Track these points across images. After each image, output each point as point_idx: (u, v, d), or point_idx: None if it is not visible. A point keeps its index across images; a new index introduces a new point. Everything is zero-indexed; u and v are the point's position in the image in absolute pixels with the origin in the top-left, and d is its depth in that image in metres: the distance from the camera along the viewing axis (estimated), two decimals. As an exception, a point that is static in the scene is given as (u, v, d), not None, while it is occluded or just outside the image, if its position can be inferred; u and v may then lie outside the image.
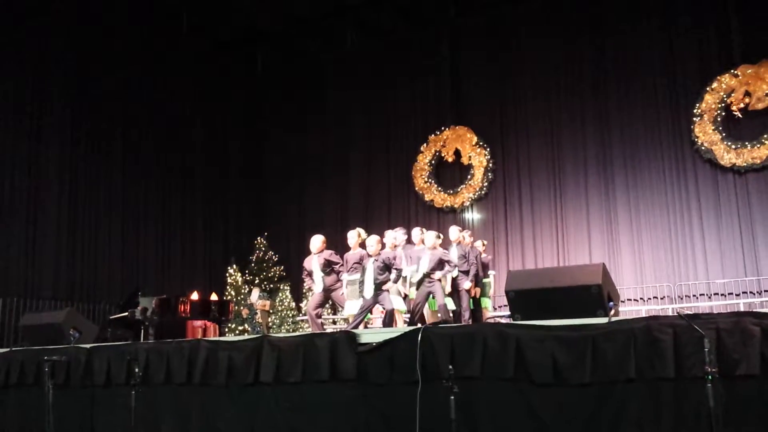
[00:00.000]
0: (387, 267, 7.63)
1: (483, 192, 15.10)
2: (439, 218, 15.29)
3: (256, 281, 15.13)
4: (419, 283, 8.24)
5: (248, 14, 16.10)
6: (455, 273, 8.58)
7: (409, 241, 8.89)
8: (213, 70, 17.20)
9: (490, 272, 10.08)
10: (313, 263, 8.22)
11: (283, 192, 17.62)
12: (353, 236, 8.19)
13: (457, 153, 15.40)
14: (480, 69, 15.60)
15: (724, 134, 12.68)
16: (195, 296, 10.66)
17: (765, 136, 12.29)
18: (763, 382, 4.06)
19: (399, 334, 5.19)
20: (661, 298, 12.83)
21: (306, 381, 5.45)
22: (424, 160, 15.74)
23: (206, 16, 15.86)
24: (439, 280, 8.19)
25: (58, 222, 13.32)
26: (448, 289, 8.56)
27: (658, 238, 13.21)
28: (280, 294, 14.62)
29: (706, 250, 12.74)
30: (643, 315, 6.51)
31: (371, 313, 8.23)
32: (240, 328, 13.22)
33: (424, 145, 15.77)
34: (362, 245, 7.99)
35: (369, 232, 8.33)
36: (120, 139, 14.73)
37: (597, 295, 4.87)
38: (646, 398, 4.29)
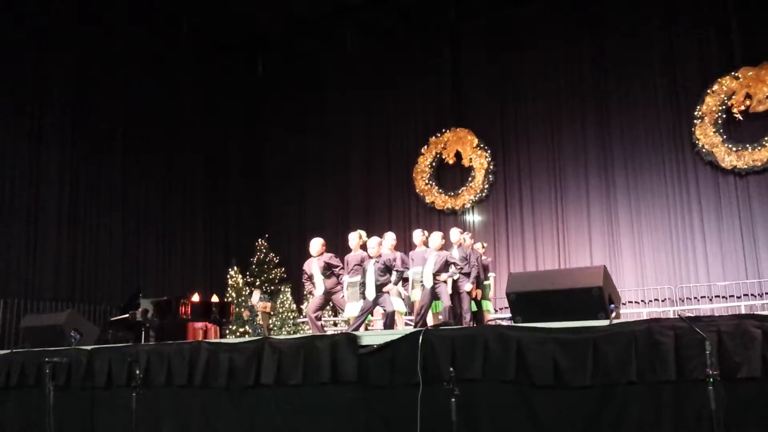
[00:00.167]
0: (388, 269, 7.63)
1: (484, 194, 15.10)
2: (440, 220, 15.29)
3: (257, 283, 15.14)
4: (423, 285, 8.22)
5: (248, 15, 16.11)
6: (457, 276, 8.57)
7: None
8: (213, 71, 17.20)
9: (490, 274, 10.08)
10: (313, 266, 8.22)
11: (284, 193, 17.63)
12: (354, 238, 8.19)
13: (458, 155, 15.41)
14: (481, 70, 15.60)
15: (724, 136, 12.68)
16: (196, 298, 10.66)
17: (766, 138, 12.29)
18: (764, 385, 4.05)
19: (400, 336, 5.19)
20: (662, 301, 12.83)
21: (307, 383, 5.44)
22: (424, 162, 15.74)
23: (206, 16, 15.87)
24: (445, 281, 8.18)
25: (58, 223, 13.31)
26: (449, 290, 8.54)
27: (659, 240, 13.21)
28: (281, 296, 14.62)
29: (707, 253, 12.74)
30: (644, 317, 6.51)
31: (372, 315, 8.22)
32: (241, 330, 13.22)
33: (425, 146, 15.78)
34: (363, 247, 7.99)
35: (370, 234, 8.33)
36: (120, 140, 14.73)
37: (598, 297, 4.86)
38: (647, 401, 4.29)
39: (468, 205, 15.23)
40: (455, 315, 8.28)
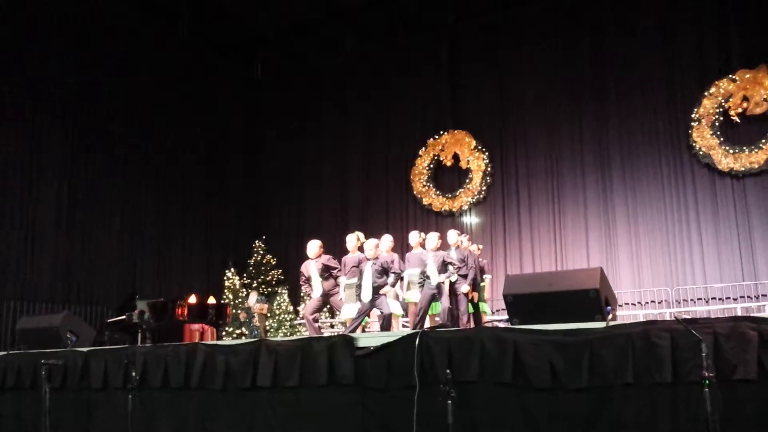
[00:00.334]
0: (385, 271, 7.62)
1: (481, 196, 15.11)
2: (438, 222, 15.28)
3: (254, 285, 15.11)
4: (422, 285, 8.21)
5: (247, 17, 16.12)
6: (454, 277, 8.55)
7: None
8: (211, 73, 17.23)
9: (486, 276, 10.07)
10: (310, 268, 8.21)
11: (282, 195, 17.62)
12: (352, 240, 8.19)
13: (456, 157, 15.41)
14: (478, 73, 15.61)
15: (722, 139, 12.71)
16: (192, 299, 10.64)
17: (763, 140, 12.32)
18: (760, 387, 4.05)
19: (397, 338, 5.19)
20: (659, 303, 12.84)
21: (303, 385, 5.44)
22: (422, 164, 15.75)
23: (205, 18, 15.87)
24: (443, 282, 8.16)
25: (55, 224, 13.29)
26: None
27: (656, 242, 13.22)
28: (278, 297, 14.60)
29: (704, 255, 12.75)
30: (641, 319, 6.52)
31: (368, 317, 8.21)
32: (237, 331, 13.19)
33: (423, 149, 15.78)
34: (361, 249, 7.99)
35: (367, 236, 8.33)
36: (118, 142, 14.72)
37: (595, 299, 4.87)
38: (643, 403, 4.29)
39: (465, 207, 15.23)
40: (453, 317, 8.27)
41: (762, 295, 11.95)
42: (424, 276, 8.23)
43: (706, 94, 12.88)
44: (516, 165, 14.95)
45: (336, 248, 10.29)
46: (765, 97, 12.33)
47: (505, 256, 14.68)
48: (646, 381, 4.28)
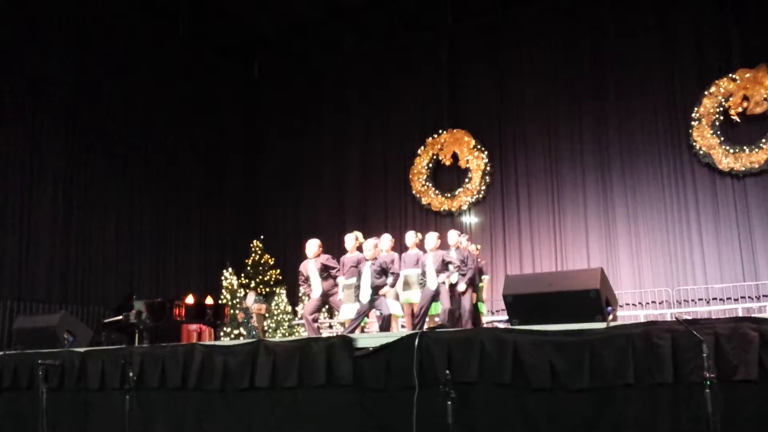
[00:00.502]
0: (384, 271, 7.59)
1: (481, 195, 15.08)
2: (437, 222, 15.25)
3: (252, 285, 15.08)
4: (423, 285, 8.16)
5: (246, 17, 16.09)
6: (455, 278, 8.51)
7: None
8: (210, 73, 17.21)
9: (484, 277, 10.05)
10: (309, 268, 8.18)
11: (280, 195, 17.60)
12: (350, 239, 8.16)
13: (455, 156, 15.38)
14: (478, 72, 15.59)
15: (722, 138, 12.68)
16: (190, 300, 10.60)
17: (763, 140, 12.30)
18: (761, 388, 4.03)
19: (396, 338, 5.16)
20: (660, 303, 12.82)
21: (302, 386, 5.41)
22: (421, 164, 15.72)
23: (204, 18, 15.84)
24: (443, 282, 8.10)
25: (52, 223, 13.26)
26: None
27: (657, 242, 13.20)
28: (276, 298, 14.57)
29: (705, 255, 12.73)
30: (642, 320, 6.50)
31: (367, 317, 8.17)
32: (235, 332, 13.15)
33: (422, 148, 15.75)
34: (359, 248, 7.96)
35: (366, 236, 8.29)
36: (117, 142, 14.69)
37: (595, 299, 4.84)
38: (644, 404, 4.27)
39: (465, 207, 15.20)
40: (453, 318, 8.22)
41: (763, 296, 11.93)
42: (425, 277, 8.16)
43: (706, 93, 12.86)
44: (516, 165, 14.92)
45: (334, 248, 10.26)
46: (765, 96, 12.31)
47: (505, 257, 14.66)
48: (647, 381, 4.25)
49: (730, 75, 12.67)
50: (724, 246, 12.55)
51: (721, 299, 12.31)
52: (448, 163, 15.43)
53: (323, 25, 16.41)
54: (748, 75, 12.51)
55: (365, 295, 7.52)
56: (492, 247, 14.68)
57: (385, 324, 7.41)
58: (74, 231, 13.64)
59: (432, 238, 8.34)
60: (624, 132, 13.77)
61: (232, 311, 13.24)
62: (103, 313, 12.91)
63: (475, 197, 15.10)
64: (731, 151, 12.54)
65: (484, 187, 15.04)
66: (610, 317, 4.83)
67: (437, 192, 15.53)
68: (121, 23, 14.80)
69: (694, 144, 12.90)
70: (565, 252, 14.01)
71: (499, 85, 15.30)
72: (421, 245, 8.43)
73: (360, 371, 5.19)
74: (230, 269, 14.87)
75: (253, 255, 15.73)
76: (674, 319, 4.36)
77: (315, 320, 8.11)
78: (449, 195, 15.39)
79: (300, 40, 16.91)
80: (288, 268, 15.24)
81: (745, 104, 12.51)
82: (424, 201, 15.66)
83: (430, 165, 15.69)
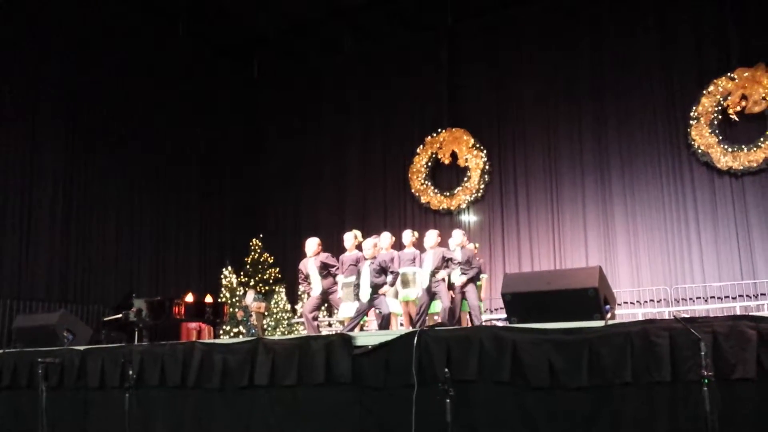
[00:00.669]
0: (383, 270, 7.59)
1: (479, 194, 15.09)
2: (436, 220, 15.27)
3: (252, 283, 15.08)
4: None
5: (245, 17, 16.08)
6: (458, 274, 8.46)
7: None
8: (210, 72, 17.20)
9: (482, 275, 10.03)
10: (309, 266, 8.19)
11: (280, 194, 17.60)
12: (349, 238, 8.17)
13: (454, 155, 15.39)
14: (477, 72, 15.59)
15: (720, 137, 12.69)
16: (189, 298, 10.62)
17: (761, 139, 12.30)
18: (759, 386, 4.04)
19: (395, 336, 5.17)
20: (658, 301, 12.83)
21: (301, 384, 5.42)
22: (420, 162, 15.72)
23: (203, 18, 15.83)
24: (443, 279, 8.10)
25: (51, 222, 13.26)
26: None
27: (655, 240, 13.21)
28: (276, 296, 14.57)
29: (703, 253, 12.74)
30: (640, 318, 6.52)
31: (366, 316, 8.18)
32: (235, 330, 13.16)
33: (421, 147, 15.76)
34: (359, 247, 7.97)
35: (365, 234, 8.30)
36: (115, 141, 14.69)
37: (593, 298, 4.85)
38: (642, 402, 4.28)
39: (463, 206, 15.21)
40: (453, 316, 8.21)
41: (761, 294, 11.94)
42: (431, 275, 8.12)
43: (704, 92, 12.87)
44: (514, 163, 14.93)
45: (334, 247, 10.28)
46: (763, 95, 12.32)
47: (504, 255, 14.67)
48: (645, 380, 4.26)
49: (729, 74, 12.68)
50: (722, 244, 12.56)
51: (719, 298, 12.33)
52: (447, 162, 15.44)
53: (323, 25, 16.40)
54: (746, 74, 12.52)
55: (365, 294, 7.53)
56: (491, 245, 14.69)
57: (385, 322, 7.42)
58: (74, 230, 13.64)
59: (432, 236, 8.31)
60: (623, 131, 13.78)
61: (231, 310, 13.24)
62: (103, 311, 12.93)
63: (473, 196, 15.11)
64: (729, 150, 12.55)
65: (482, 186, 15.05)
66: (609, 316, 4.84)
67: (436, 191, 15.54)
68: (121, 23, 14.80)
69: (693, 143, 12.91)
70: (564, 250, 14.02)
71: (499, 85, 15.30)
72: (416, 244, 8.41)
73: (359, 369, 5.20)
74: (230, 268, 14.87)
75: (253, 253, 15.74)
76: (672, 317, 4.37)
77: (315, 318, 8.12)
78: (448, 194, 15.40)
79: (300, 40, 16.90)
80: (287, 266, 15.25)
81: (743, 103, 12.52)
82: (423, 200, 15.67)
83: (429, 164, 15.70)
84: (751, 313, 4.80)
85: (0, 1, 12.45)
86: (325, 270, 8.12)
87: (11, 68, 12.79)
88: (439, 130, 15.60)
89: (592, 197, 13.95)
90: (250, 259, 15.69)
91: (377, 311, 7.68)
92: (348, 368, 5.21)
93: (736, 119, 12.63)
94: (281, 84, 18.09)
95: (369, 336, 5.57)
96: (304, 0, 15.38)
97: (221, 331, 12.37)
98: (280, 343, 5.64)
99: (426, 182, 15.65)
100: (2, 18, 12.62)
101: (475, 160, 15.10)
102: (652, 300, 12.91)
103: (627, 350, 4.32)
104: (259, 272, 15.46)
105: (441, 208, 15.44)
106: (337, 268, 8.13)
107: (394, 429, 4.96)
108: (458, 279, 8.34)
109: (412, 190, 15.81)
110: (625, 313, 12.29)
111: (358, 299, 7.60)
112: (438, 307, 8.17)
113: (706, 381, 3.85)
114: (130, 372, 5.90)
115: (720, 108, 12.73)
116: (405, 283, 8.18)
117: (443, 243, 8.70)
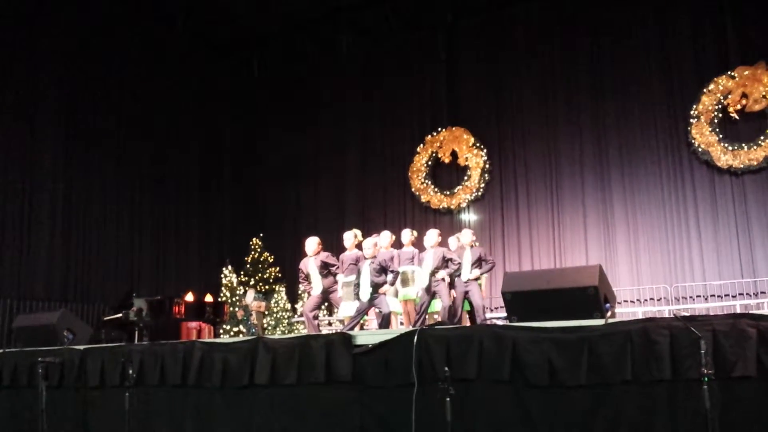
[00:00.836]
0: (383, 269, 7.59)
1: (480, 193, 15.08)
2: (436, 219, 15.26)
3: (252, 282, 15.08)
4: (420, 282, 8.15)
5: (244, 16, 16.07)
6: (477, 273, 8.45)
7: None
8: (209, 72, 17.20)
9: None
10: (309, 265, 8.19)
11: (279, 193, 17.58)
12: (349, 237, 8.17)
13: (454, 154, 15.38)
14: (477, 70, 15.58)
15: (720, 136, 12.69)
16: (190, 297, 10.64)
17: (762, 137, 12.30)
18: (759, 384, 4.05)
19: (395, 335, 5.17)
20: (658, 300, 12.82)
21: (301, 383, 5.42)
22: (420, 161, 15.72)
23: (202, 17, 15.82)
24: (443, 279, 8.11)
25: (51, 221, 13.26)
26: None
27: (655, 239, 13.20)
28: (276, 295, 14.58)
29: (703, 252, 12.74)
30: (640, 317, 6.49)
31: (366, 315, 8.19)
32: (235, 329, 13.17)
33: (421, 146, 15.75)
34: (359, 246, 7.97)
35: (365, 234, 8.30)
36: (115, 140, 14.70)
37: (593, 296, 4.86)
38: (642, 400, 4.28)
39: (464, 205, 15.20)
40: (453, 315, 8.21)
41: (761, 292, 11.94)
42: (430, 275, 8.12)
43: (704, 91, 12.86)
44: (514, 162, 14.92)
45: (334, 246, 10.28)
46: (764, 93, 12.31)
47: (504, 254, 14.66)
48: (645, 378, 4.27)
49: (729, 72, 12.67)
50: (723, 243, 12.55)
51: (719, 296, 12.32)
52: (447, 160, 15.43)
53: (322, 25, 16.39)
54: (746, 72, 12.51)
55: (365, 293, 7.53)
56: (491, 244, 14.68)
57: (385, 321, 7.42)
58: (74, 230, 13.64)
59: (432, 236, 8.31)
60: (623, 129, 13.77)
61: (231, 309, 13.26)
62: (103, 310, 12.94)
63: (474, 195, 15.10)
64: (730, 148, 12.54)
65: (483, 185, 15.04)
66: (609, 314, 4.84)
67: (436, 190, 15.53)
68: (120, 23, 14.79)
69: (693, 141, 12.90)
70: (564, 249, 14.01)
71: (498, 83, 15.28)
72: (416, 242, 8.41)
73: (359, 368, 5.21)
74: (230, 267, 14.88)
75: (253, 253, 15.73)
76: (672, 315, 4.37)
77: (315, 317, 8.13)
78: (448, 193, 15.39)
79: (300, 39, 16.89)
80: (287, 265, 15.25)
81: (743, 102, 12.51)
82: (423, 199, 15.66)
83: (429, 163, 15.69)
84: (751, 312, 4.79)
85: (0, 1, 12.45)
86: (326, 269, 8.12)
87: (11, 68, 12.78)
88: (439, 129, 15.59)
89: (592, 196, 13.94)
90: (250, 259, 15.69)
91: (377, 310, 7.69)
92: (348, 367, 5.21)
93: (737, 117, 12.62)
94: (281, 83, 18.07)
95: (369, 335, 5.57)
96: (304, 0, 15.37)
97: (221, 331, 12.39)
98: (281, 343, 5.65)
99: (426, 181, 15.65)
100: (2, 18, 12.61)
101: (475, 159, 15.10)
102: (652, 298, 12.91)
103: (627, 349, 4.32)
104: (259, 271, 15.45)
105: (441, 207, 15.43)
106: (338, 268, 8.13)
107: (394, 428, 4.96)
108: (472, 273, 8.32)
109: (412, 189, 15.80)
110: (625, 312, 12.28)
111: (359, 298, 7.60)
112: (438, 306, 8.17)
113: (706, 379, 3.85)
114: (131, 371, 5.91)
115: (720, 106, 12.72)
116: (404, 282, 8.18)
117: (443, 242, 8.70)
